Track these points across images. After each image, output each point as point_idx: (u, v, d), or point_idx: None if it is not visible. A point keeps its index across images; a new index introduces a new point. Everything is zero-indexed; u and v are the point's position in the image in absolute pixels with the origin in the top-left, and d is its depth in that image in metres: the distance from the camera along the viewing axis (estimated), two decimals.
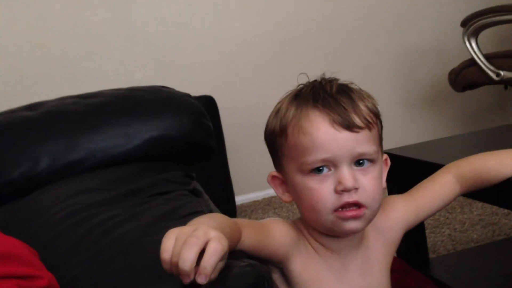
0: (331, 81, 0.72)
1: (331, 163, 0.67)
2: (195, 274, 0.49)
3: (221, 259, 0.51)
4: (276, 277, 0.72)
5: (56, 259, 0.75)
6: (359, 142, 0.67)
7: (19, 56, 2.17)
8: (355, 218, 0.67)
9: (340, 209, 0.67)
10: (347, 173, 0.66)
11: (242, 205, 2.34)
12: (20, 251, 0.65)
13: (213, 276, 0.51)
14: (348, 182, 0.66)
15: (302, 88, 0.72)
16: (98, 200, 0.88)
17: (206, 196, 1.00)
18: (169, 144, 1.16)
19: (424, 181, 0.83)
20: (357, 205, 0.67)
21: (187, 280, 0.49)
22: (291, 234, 0.72)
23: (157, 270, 0.60)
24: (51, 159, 1.08)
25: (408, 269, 1.13)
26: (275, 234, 0.69)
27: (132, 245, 0.70)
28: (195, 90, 1.60)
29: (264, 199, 2.35)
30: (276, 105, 0.74)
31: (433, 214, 0.85)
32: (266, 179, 0.75)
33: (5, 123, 1.15)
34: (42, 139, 1.11)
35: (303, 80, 0.74)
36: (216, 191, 1.34)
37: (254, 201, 2.37)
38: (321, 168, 0.67)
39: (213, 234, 0.51)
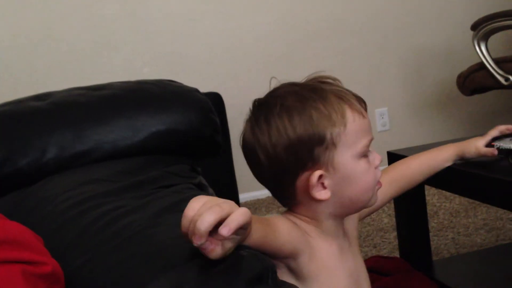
0: (324, 77, 0.77)
1: None
2: (206, 253, 0.52)
3: (237, 232, 0.53)
4: (282, 271, 0.72)
5: (61, 247, 0.75)
6: None
7: (29, 47, 2.18)
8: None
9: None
10: (374, 151, 0.77)
11: (245, 202, 2.34)
12: (26, 237, 0.66)
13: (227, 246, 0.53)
14: (380, 156, 0.77)
15: (315, 85, 0.75)
16: (104, 191, 0.89)
17: (211, 190, 1.00)
18: (176, 138, 1.17)
19: None
20: None
21: (197, 242, 0.51)
22: (296, 230, 0.73)
23: (162, 259, 0.60)
24: (58, 149, 1.09)
25: (411, 270, 1.13)
26: (282, 230, 0.70)
27: (137, 235, 0.70)
28: (202, 86, 1.61)
29: (268, 197, 2.36)
30: (280, 118, 0.72)
31: (373, 212, 0.93)
32: (312, 182, 0.71)
33: (13, 112, 1.16)
34: (49, 129, 1.12)
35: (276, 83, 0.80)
36: (220, 188, 1.34)
37: (258, 199, 2.37)
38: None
39: (241, 209, 0.54)
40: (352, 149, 0.73)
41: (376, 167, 0.76)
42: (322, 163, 0.72)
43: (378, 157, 0.76)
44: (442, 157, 0.97)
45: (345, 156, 0.72)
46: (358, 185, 0.74)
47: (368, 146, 0.74)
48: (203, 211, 0.52)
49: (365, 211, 0.86)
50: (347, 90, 0.75)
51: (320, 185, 0.73)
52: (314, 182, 0.72)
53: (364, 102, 0.76)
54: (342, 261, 0.77)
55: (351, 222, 0.83)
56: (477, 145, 0.95)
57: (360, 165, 0.74)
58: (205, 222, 0.51)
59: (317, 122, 0.71)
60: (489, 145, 0.95)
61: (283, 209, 0.80)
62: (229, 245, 0.54)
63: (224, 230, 0.51)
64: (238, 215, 0.52)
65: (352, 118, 0.72)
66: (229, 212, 0.53)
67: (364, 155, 0.74)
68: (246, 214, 0.53)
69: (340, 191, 0.74)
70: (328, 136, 0.71)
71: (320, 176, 0.72)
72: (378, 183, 0.77)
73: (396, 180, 0.94)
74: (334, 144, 0.71)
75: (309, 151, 0.71)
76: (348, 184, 0.74)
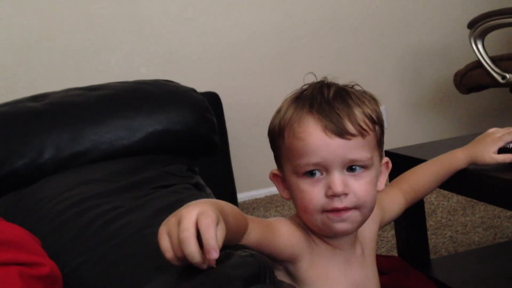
0: (330, 85, 0.73)
1: (323, 168, 0.69)
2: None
3: (218, 226, 0.51)
4: (281, 274, 0.72)
5: (58, 248, 0.75)
6: (351, 149, 0.68)
7: (25, 47, 2.18)
8: (343, 220, 0.70)
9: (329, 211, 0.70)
10: (337, 179, 0.68)
11: (244, 202, 2.34)
12: (23, 238, 0.66)
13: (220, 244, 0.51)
14: (338, 187, 0.68)
15: (304, 90, 0.73)
16: (101, 191, 0.89)
17: (208, 190, 1.00)
18: (173, 137, 1.17)
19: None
20: (346, 210, 0.70)
21: (204, 267, 0.50)
22: (298, 235, 0.73)
23: (159, 260, 0.60)
24: (55, 150, 1.08)
25: (409, 269, 1.13)
26: (282, 234, 0.69)
27: (134, 236, 0.70)
28: (199, 86, 1.61)
29: (266, 196, 2.36)
30: (281, 103, 0.75)
31: (392, 221, 0.93)
32: (268, 176, 0.76)
33: (10, 113, 1.15)
34: (46, 130, 1.11)
35: (310, 78, 0.75)
36: (218, 187, 1.34)
37: (256, 199, 2.37)
38: (313, 172, 0.69)
39: (195, 213, 0.51)
40: (290, 164, 0.71)
41: (329, 196, 0.68)
42: (279, 164, 0.75)
43: (334, 188, 0.67)
44: (453, 167, 0.93)
45: (287, 167, 0.72)
46: (297, 203, 0.72)
47: (307, 168, 0.68)
48: (177, 243, 0.50)
49: (383, 217, 0.85)
50: (332, 104, 0.69)
51: (281, 184, 0.75)
52: (271, 177, 0.75)
53: (340, 127, 0.67)
54: (346, 272, 0.75)
55: (368, 231, 0.80)
56: (491, 155, 0.90)
57: (299, 184, 0.70)
58: (195, 255, 0.49)
59: (272, 124, 0.74)
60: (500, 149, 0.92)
61: (281, 209, 0.80)
62: (220, 235, 0.52)
63: (212, 254, 0.49)
64: (206, 231, 0.49)
65: (287, 133, 0.70)
66: (193, 224, 0.50)
67: (306, 175, 0.69)
68: (208, 221, 0.50)
69: (293, 201, 0.73)
70: (276, 142, 0.73)
71: (276, 175, 0.75)
72: (328, 213, 0.69)
73: (408, 192, 0.91)
74: (280, 152, 0.73)
75: (273, 148, 0.75)
76: (293, 197, 0.73)
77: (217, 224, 0.51)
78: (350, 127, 0.68)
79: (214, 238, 0.49)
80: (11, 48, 2.16)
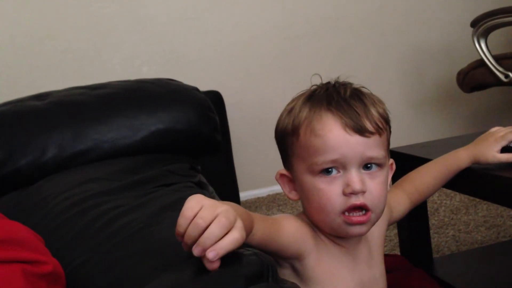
0: (345, 84, 0.73)
1: (340, 165, 0.68)
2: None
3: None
4: (287, 272, 0.72)
5: (61, 246, 0.75)
6: (369, 146, 0.69)
7: (28, 47, 2.18)
8: (361, 223, 0.69)
9: (347, 213, 0.69)
10: (355, 176, 0.68)
11: (246, 201, 2.34)
12: (26, 236, 0.66)
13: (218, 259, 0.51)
14: (357, 185, 0.67)
15: (315, 90, 0.73)
16: (104, 190, 0.89)
17: (211, 189, 1.01)
18: (175, 136, 1.17)
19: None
20: (364, 208, 0.69)
21: (199, 253, 0.50)
22: (304, 231, 0.72)
23: (162, 258, 0.60)
24: (58, 149, 1.09)
25: (411, 267, 1.13)
26: (287, 230, 0.69)
27: (137, 234, 0.70)
28: (202, 85, 1.61)
29: (268, 195, 2.36)
30: (289, 104, 0.75)
31: (396, 221, 0.93)
32: (274, 177, 0.75)
33: (13, 112, 1.16)
34: (49, 129, 1.12)
35: (316, 80, 0.75)
36: (220, 186, 1.34)
37: (259, 198, 2.37)
38: (330, 170, 0.68)
39: (239, 224, 0.52)
40: (304, 163, 0.70)
41: (347, 194, 0.68)
42: (288, 164, 0.74)
43: (353, 185, 0.67)
44: (456, 167, 0.93)
45: (300, 167, 0.71)
46: (312, 203, 0.70)
47: (324, 165, 0.68)
48: (206, 216, 0.50)
49: (390, 216, 0.85)
50: (349, 101, 0.69)
51: (288, 185, 0.74)
52: (277, 178, 0.74)
53: (360, 124, 0.67)
54: (353, 271, 0.75)
55: (377, 229, 0.79)
56: (494, 154, 0.90)
57: (313, 183, 0.69)
58: (212, 238, 0.49)
59: (283, 123, 0.73)
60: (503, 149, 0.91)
61: (284, 208, 0.80)
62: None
63: (212, 255, 0.49)
64: (229, 243, 0.50)
65: (303, 131, 0.69)
66: (233, 225, 0.51)
67: (322, 173, 0.68)
68: (239, 239, 0.51)
69: (305, 201, 0.73)
70: (287, 141, 0.72)
71: (283, 176, 0.74)
72: (345, 216, 0.68)
73: (412, 194, 0.91)
74: (292, 151, 0.72)
75: (282, 148, 0.74)
76: (305, 197, 0.72)
77: (237, 244, 0.52)
78: (369, 125, 0.68)
79: (226, 251, 0.50)
80: (13, 47, 2.17)
